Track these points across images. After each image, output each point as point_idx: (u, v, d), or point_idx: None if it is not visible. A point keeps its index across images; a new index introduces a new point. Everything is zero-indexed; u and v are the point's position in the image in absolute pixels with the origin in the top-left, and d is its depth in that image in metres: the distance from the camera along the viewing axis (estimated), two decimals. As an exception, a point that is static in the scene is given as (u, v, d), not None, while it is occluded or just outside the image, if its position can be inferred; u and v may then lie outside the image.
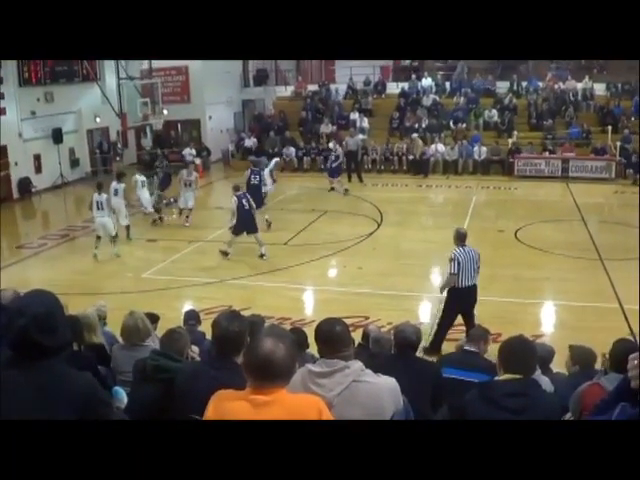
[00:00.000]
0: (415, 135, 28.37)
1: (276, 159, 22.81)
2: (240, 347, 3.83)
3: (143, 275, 15.30)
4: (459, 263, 10.48)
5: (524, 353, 4.11)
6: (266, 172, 19.41)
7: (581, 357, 6.51)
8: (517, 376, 3.93)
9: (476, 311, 10.78)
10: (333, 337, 3.71)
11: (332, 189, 24.08)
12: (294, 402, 3.02)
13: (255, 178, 18.40)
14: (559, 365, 7.55)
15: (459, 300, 10.71)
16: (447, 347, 10.23)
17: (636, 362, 2.79)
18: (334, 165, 24.45)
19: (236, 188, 16.35)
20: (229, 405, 3.02)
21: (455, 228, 11.17)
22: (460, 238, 10.78)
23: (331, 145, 26.46)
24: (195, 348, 5.87)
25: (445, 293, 10.95)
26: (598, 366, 6.54)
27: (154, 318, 7.96)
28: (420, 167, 27.62)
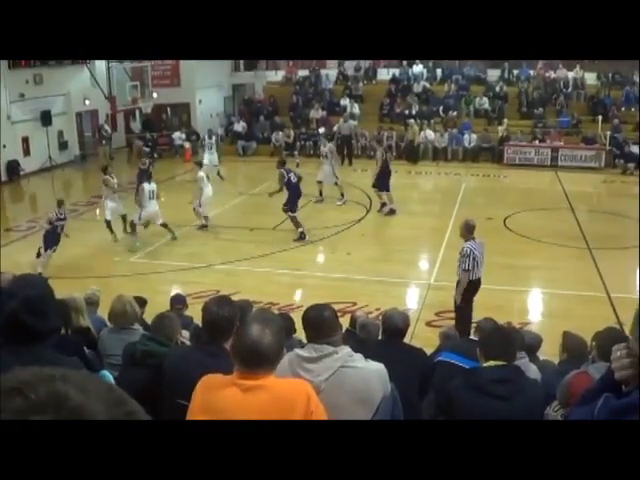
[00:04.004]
0: (412, 121, 28.27)
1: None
2: (230, 332, 3.83)
3: (131, 259, 15.27)
4: (474, 258, 10.20)
5: (503, 339, 4.14)
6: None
7: (572, 346, 6.52)
8: (500, 363, 3.95)
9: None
10: (321, 323, 3.70)
11: (384, 205, 19.37)
12: (282, 387, 3.03)
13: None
14: (547, 353, 7.59)
15: (473, 291, 10.53)
16: (431, 334, 10.28)
17: (619, 353, 2.78)
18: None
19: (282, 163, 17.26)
20: (217, 389, 3.03)
21: (465, 220, 10.71)
22: (470, 230, 10.40)
23: (379, 154, 20.12)
24: (185, 333, 5.88)
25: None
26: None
27: (142, 302, 7.95)
28: (411, 153, 27.58)
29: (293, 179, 16.77)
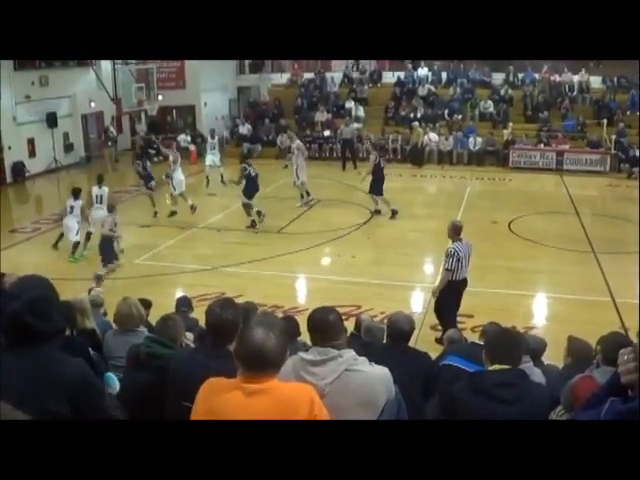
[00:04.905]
0: (416, 124, 28.25)
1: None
2: (234, 335, 3.82)
3: (136, 261, 15.27)
4: (458, 259, 10.33)
5: (509, 343, 4.13)
6: None
7: (577, 350, 6.48)
8: (506, 366, 3.94)
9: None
10: (326, 326, 3.67)
11: (377, 212, 19.61)
12: (286, 391, 3.01)
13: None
14: (551, 358, 7.56)
15: (457, 292, 10.65)
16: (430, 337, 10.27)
17: (626, 357, 2.78)
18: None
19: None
20: (220, 393, 3.02)
21: (451, 221, 10.94)
22: (457, 232, 10.56)
23: (372, 157, 20.09)
24: (189, 335, 5.88)
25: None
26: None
27: (147, 304, 7.96)
28: (416, 156, 27.55)
29: (252, 173, 18.00)
